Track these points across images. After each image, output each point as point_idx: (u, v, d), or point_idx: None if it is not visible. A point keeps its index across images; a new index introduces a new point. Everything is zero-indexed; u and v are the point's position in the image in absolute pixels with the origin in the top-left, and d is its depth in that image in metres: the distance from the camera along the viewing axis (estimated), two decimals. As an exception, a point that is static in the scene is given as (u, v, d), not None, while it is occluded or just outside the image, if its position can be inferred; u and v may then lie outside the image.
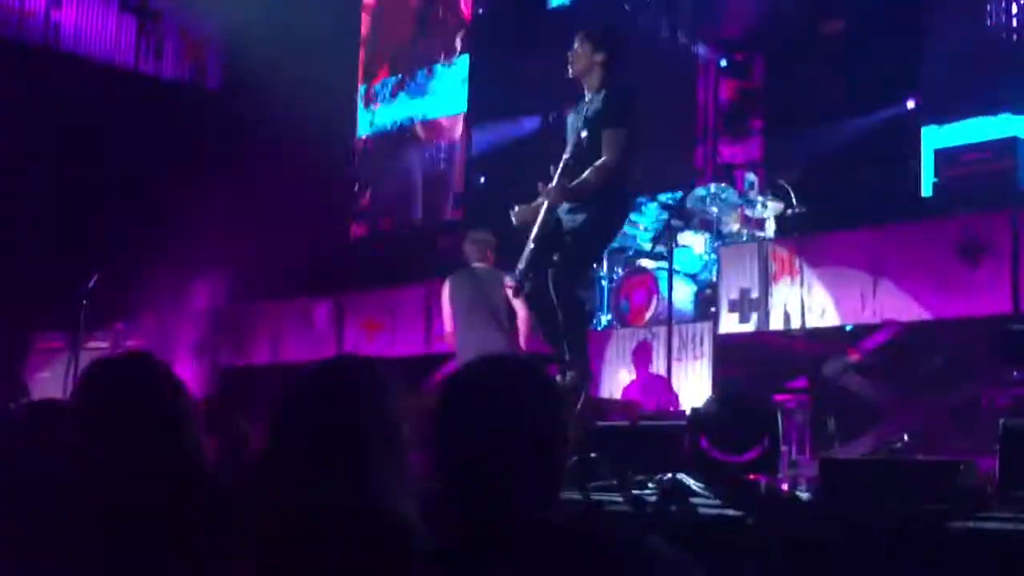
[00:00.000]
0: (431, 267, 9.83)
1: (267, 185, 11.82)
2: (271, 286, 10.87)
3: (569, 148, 5.84)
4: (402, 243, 12.46)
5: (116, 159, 11.33)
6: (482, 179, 12.32)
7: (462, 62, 12.81)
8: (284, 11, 11.68)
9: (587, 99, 5.89)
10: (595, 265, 8.72)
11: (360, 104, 13.73)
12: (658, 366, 7.85)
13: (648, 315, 8.38)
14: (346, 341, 10.07)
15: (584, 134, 5.78)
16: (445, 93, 12.90)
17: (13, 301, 10.43)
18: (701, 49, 11.24)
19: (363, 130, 13.73)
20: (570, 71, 5.87)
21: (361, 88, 13.77)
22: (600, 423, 5.53)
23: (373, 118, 13.67)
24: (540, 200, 5.78)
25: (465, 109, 12.64)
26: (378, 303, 10.07)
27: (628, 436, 5.09)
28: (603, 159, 5.69)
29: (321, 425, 1.98)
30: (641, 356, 8.04)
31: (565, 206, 5.80)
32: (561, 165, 5.82)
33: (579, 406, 5.55)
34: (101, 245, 8.14)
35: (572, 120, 5.94)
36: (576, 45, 5.85)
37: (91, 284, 8.07)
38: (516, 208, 5.93)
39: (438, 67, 13.03)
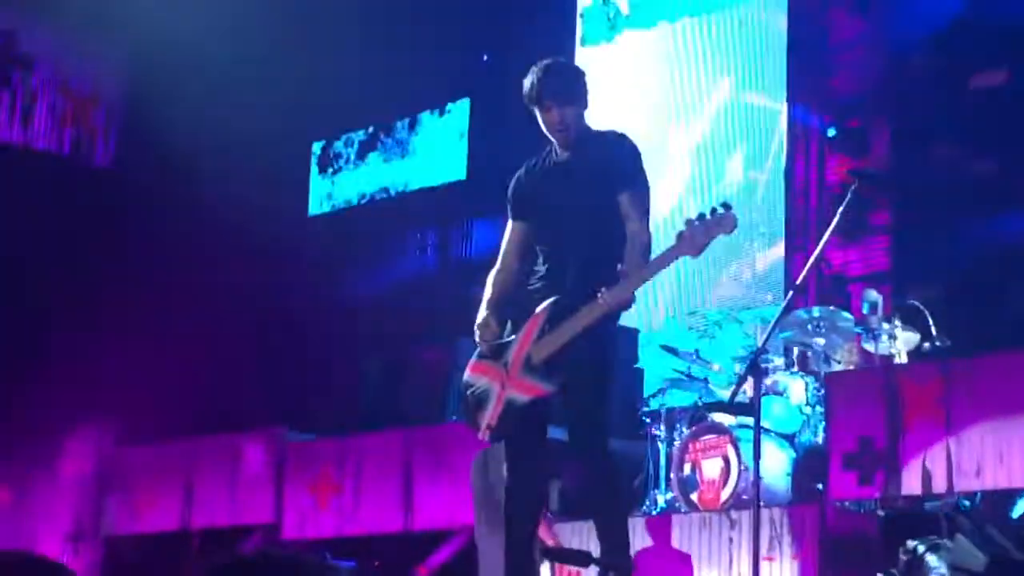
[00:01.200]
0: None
1: (178, 282, 11.87)
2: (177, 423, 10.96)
3: (552, 231, 6.04)
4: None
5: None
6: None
7: (459, 110, 12.93)
8: (203, 42, 11.89)
9: (557, 157, 6.16)
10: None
11: (314, 169, 13.84)
12: (739, 569, 7.76)
13: (725, 494, 8.32)
14: (287, 503, 10.09)
15: (581, 203, 5.98)
16: (434, 153, 12.98)
17: None
18: (801, 113, 11.35)
19: (317, 206, 13.82)
20: (563, 139, 6.13)
21: (315, 147, 13.89)
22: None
23: (332, 189, 13.78)
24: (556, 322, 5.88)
25: (463, 176, 12.69)
26: (335, 453, 10.12)
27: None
28: (635, 232, 5.91)
29: None
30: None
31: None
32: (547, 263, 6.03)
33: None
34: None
35: (539, 188, 6.19)
36: (559, 104, 6.09)
37: None
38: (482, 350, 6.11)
39: (424, 116, 13.15)
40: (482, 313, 6.18)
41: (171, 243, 12.11)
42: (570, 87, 6.16)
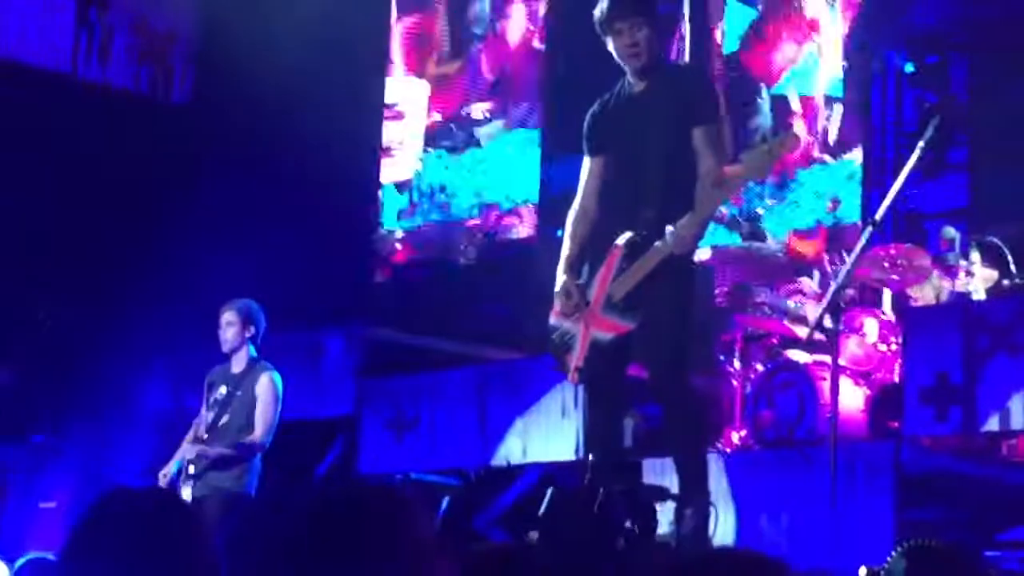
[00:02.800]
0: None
1: (251, 231, 11.92)
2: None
3: (628, 165, 6.00)
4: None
5: (37, 198, 11.50)
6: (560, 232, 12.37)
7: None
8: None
9: (632, 89, 6.08)
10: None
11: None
12: (815, 506, 7.73)
13: (801, 431, 8.31)
14: (365, 431, 10.21)
15: (656, 136, 5.96)
16: (507, 166, 12.95)
17: None
18: (879, 48, 11.23)
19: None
20: (637, 64, 6.04)
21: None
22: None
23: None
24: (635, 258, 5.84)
25: (536, 199, 12.60)
26: (410, 390, 10.21)
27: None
28: (708, 168, 5.87)
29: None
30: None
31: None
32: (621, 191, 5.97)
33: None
34: (11, 327, 8.21)
35: (614, 121, 6.13)
36: (629, 25, 6.02)
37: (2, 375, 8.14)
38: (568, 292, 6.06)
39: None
40: (561, 279, 6.19)
41: (248, 178, 12.15)
42: (640, 4, 6.11)
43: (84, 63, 12.89)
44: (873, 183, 10.97)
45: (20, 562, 7.69)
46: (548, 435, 9.18)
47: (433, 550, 2.32)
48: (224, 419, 8.39)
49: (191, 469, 8.17)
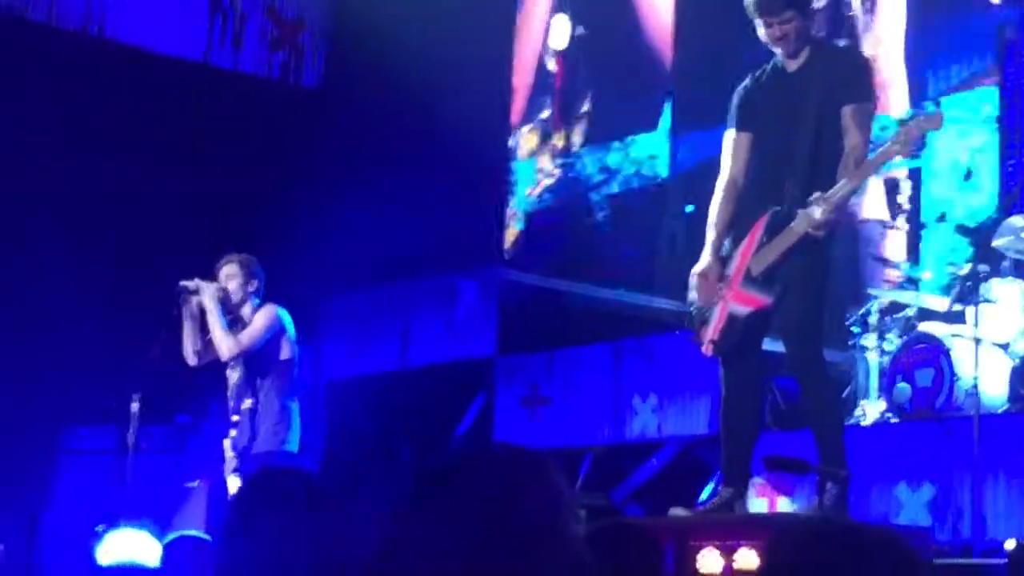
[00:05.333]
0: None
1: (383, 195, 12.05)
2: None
3: (774, 141, 6.05)
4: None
5: (179, 178, 11.70)
6: (689, 207, 12.30)
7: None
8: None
9: (785, 67, 6.11)
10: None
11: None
12: (955, 479, 7.69)
13: (939, 403, 8.23)
14: (499, 409, 10.36)
15: (806, 113, 5.96)
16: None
17: (36, 379, 10.81)
18: (1015, 14, 11.03)
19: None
20: (786, 50, 6.09)
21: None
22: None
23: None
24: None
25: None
26: (545, 366, 10.27)
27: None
28: (854, 146, 5.88)
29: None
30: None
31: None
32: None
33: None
34: (162, 295, 8.30)
35: (765, 97, 6.15)
36: (778, 20, 6.02)
37: (153, 353, 8.20)
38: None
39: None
40: (704, 260, 6.21)
41: (379, 161, 12.26)
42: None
43: (217, 50, 13.06)
44: (1009, 152, 10.80)
45: (168, 539, 7.84)
46: (683, 410, 9.19)
47: (570, 511, 2.32)
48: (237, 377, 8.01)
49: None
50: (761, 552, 5.27)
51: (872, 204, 10.12)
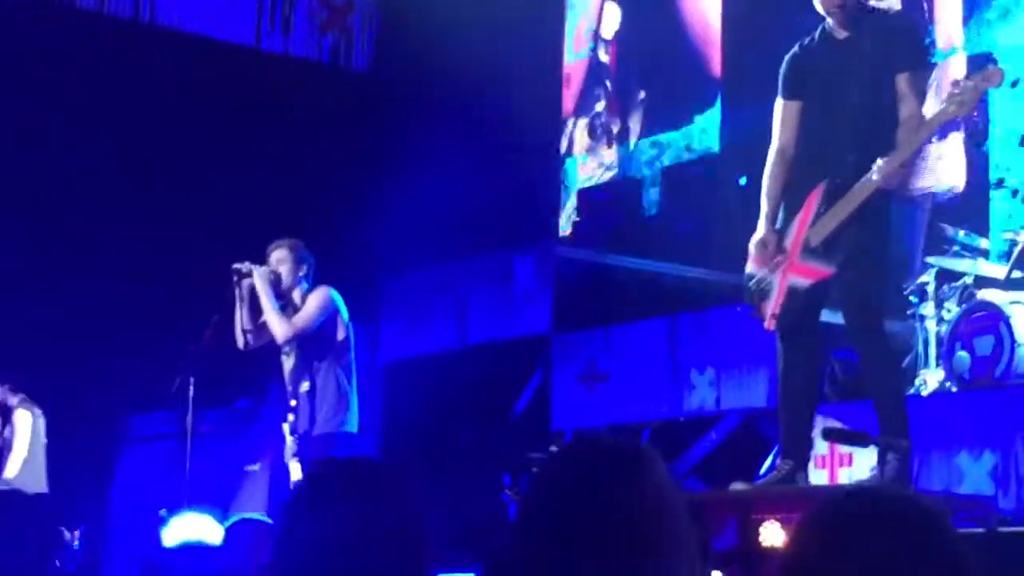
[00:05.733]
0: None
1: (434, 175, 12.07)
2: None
3: (828, 109, 5.99)
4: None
5: (232, 164, 11.74)
6: (743, 179, 12.23)
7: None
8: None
9: (836, 34, 6.05)
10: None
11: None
12: (1017, 447, 7.60)
13: (998, 371, 8.16)
14: (556, 386, 10.34)
15: (860, 80, 5.93)
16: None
17: (98, 369, 10.88)
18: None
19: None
20: (840, 18, 6.05)
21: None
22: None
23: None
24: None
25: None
26: (602, 342, 10.28)
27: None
28: (910, 114, 5.85)
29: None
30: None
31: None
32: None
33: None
34: (214, 279, 8.32)
35: (817, 65, 6.10)
36: None
37: (206, 337, 8.24)
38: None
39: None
40: (761, 230, 6.17)
41: (431, 143, 12.26)
42: None
43: (267, 34, 13.08)
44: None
45: (229, 522, 7.88)
46: (741, 383, 9.16)
47: (677, 501, 2.43)
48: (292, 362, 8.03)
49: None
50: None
51: (928, 171, 10.03)
